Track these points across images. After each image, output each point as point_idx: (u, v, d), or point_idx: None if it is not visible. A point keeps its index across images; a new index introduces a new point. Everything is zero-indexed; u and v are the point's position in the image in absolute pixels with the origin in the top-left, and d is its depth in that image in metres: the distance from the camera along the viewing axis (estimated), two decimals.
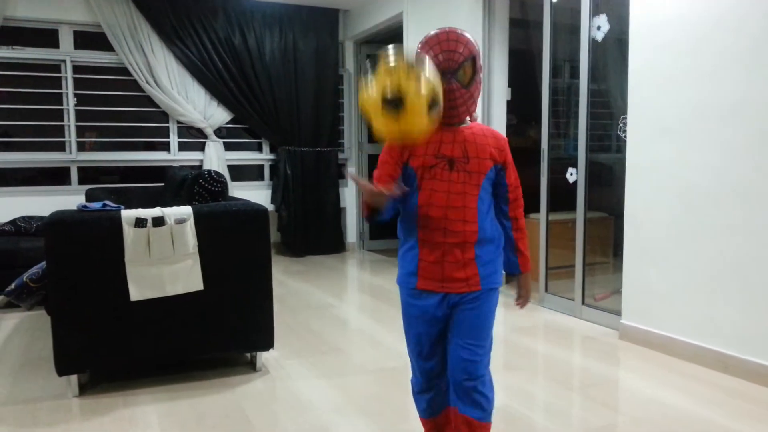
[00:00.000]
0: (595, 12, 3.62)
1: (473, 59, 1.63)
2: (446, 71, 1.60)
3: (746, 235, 2.74)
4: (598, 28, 3.61)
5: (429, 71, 1.51)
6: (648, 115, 3.18)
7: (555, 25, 3.99)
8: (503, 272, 1.80)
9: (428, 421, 1.88)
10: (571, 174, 3.83)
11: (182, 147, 5.98)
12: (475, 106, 1.71)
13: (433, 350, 1.78)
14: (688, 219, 3.00)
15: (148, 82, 5.61)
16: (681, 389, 2.65)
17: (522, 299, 1.87)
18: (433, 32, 1.64)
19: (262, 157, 6.34)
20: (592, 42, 3.65)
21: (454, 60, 1.60)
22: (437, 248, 1.67)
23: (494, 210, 1.76)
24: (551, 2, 3.98)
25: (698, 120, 2.93)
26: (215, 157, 5.90)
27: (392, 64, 1.47)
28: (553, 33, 3.99)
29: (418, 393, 1.85)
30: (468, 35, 1.64)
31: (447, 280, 1.68)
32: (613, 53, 3.76)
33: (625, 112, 3.37)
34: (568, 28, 3.96)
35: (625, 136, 3.35)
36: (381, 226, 6.79)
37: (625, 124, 3.38)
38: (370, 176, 5.85)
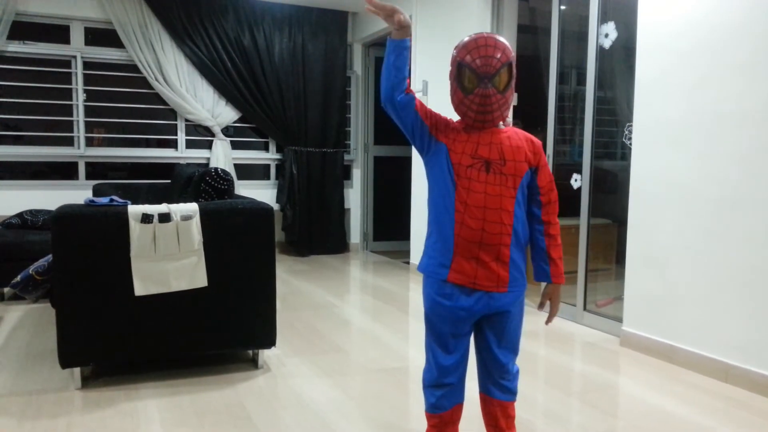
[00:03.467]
0: (603, 20, 3.64)
1: (509, 65, 1.66)
2: (483, 76, 1.63)
3: (751, 244, 2.74)
4: (606, 35, 3.62)
5: None
6: (654, 123, 3.19)
7: (563, 32, 4.01)
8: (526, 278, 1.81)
9: (434, 416, 1.87)
10: (576, 180, 3.84)
11: (190, 145, 6.01)
12: (509, 111, 1.73)
13: (456, 348, 1.80)
14: (692, 227, 3.00)
15: (157, 80, 5.65)
16: (681, 397, 2.66)
17: (549, 314, 1.85)
18: (469, 37, 1.67)
19: (269, 156, 6.37)
20: (600, 49, 3.66)
21: (492, 65, 1.63)
22: (473, 247, 1.68)
23: (526, 214, 1.77)
24: (560, 9, 3.99)
25: (704, 128, 2.93)
26: (222, 156, 5.93)
27: None
28: (561, 40, 4.00)
29: (429, 387, 1.85)
30: (505, 41, 1.67)
31: (479, 278, 1.70)
32: (620, 61, 3.77)
33: (630, 119, 3.38)
34: (576, 35, 3.97)
35: (631, 144, 3.36)
36: (386, 228, 6.80)
37: (630, 132, 3.39)
38: (377, 179, 5.86)
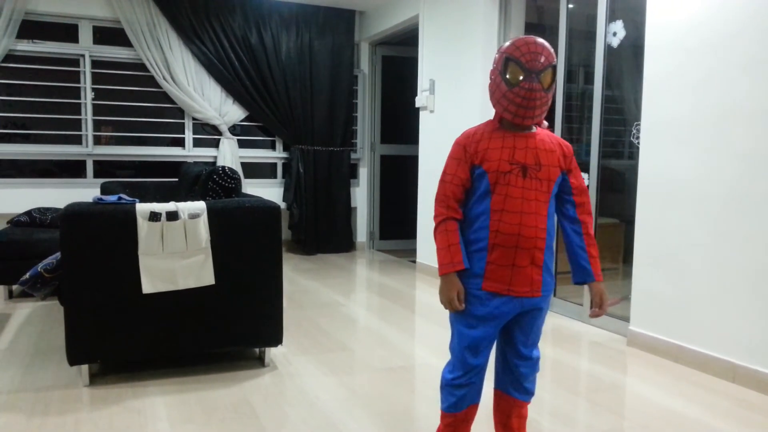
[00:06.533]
0: (611, 18, 3.62)
1: (554, 68, 1.69)
2: (531, 70, 1.65)
3: (759, 243, 2.73)
4: (614, 34, 3.61)
5: None
6: (662, 122, 3.17)
7: (571, 31, 3.99)
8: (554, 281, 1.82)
9: (449, 416, 1.86)
10: (583, 179, 3.82)
11: (197, 143, 6.03)
12: (545, 113, 1.75)
13: (486, 349, 1.81)
14: (700, 226, 2.99)
15: (165, 79, 5.67)
16: (688, 397, 2.65)
17: (599, 308, 1.80)
18: (516, 37, 1.71)
19: (276, 155, 6.38)
20: (608, 48, 3.65)
21: (539, 61, 1.65)
22: (509, 252, 1.69)
23: (558, 216, 1.82)
24: (567, 8, 3.98)
25: (712, 127, 2.92)
26: (229, 154, 5.95)
27: None
28: (568, 38, 3.99)
29: (451, 386, 1.83)
30: (548, 45, 1.70)
31: (514, 284, 1.71)
32: (628, 60, 3.75)
33: (638, 118, 3.37)
34: (583, 34, 3.96)
35: (638, 143, 3.34)
36: (393, 227, 6.81)
37: (638, 131, 3.38)
38: (383, 177, 5.87)
